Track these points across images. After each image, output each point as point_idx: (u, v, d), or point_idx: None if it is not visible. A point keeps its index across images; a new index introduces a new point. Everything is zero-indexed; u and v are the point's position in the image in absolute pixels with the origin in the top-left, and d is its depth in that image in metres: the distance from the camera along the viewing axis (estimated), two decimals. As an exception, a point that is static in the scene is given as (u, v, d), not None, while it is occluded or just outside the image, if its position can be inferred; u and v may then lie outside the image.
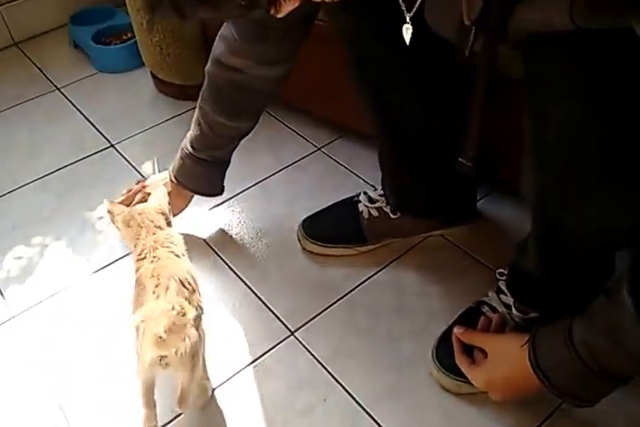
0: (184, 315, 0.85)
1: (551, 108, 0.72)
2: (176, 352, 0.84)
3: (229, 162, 1.28)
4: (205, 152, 1.22)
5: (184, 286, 0.95)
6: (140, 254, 1.03)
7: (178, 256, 1.03)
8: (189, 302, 0.91)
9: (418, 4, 0.72)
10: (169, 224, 1.12)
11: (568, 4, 0.51)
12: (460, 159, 0.79)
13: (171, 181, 1.27)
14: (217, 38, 1.10)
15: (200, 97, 1.18)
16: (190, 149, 1.22)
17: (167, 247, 1.04)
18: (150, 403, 0.94)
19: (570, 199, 0.80)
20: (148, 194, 1.20)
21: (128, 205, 1.18)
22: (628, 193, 0.75)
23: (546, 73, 0.70)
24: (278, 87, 1.16)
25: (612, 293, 0.79)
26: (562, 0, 0.51)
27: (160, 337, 0.82)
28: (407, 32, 0.78)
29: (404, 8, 0.76)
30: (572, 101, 0.69)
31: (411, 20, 0.76)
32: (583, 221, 0.82)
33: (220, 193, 1.31)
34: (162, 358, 0.85)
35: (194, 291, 0.97)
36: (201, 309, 0.98)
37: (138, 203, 1.20)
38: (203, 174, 1.26)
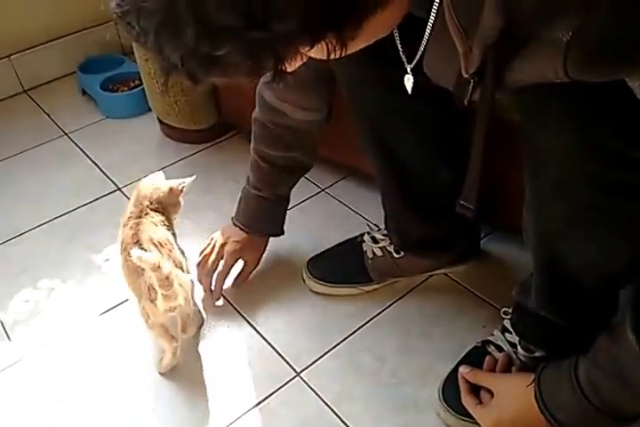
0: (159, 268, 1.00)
1: (545, 149, 0.74)
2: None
3: (289, 200, 1.32)
4: (269, 191, 1.26)
5: (162, 245, 1.11)
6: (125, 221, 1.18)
7: (155, 225, 1.16)
8: (169, 257, 1.10)
9: (418, 55, 0.74)
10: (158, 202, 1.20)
11: (562, 59, 0.52)
12: (461, 202, 0.79)
13: (240, 230, 1.28)
14: (260, 84, 1.14)
15: (252, 141, 1.23)
16: (254, 190, 1.26)
17: (149, 216, 1.17)
18: (173, 338, 1.11)
19: (569, 238, 0.81)
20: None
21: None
22: (626, 234, 0.76)
23: (539, 113, 0.72)
24: (323, 126, 1.19)
25: (614, 330, 0.79)
26: (555, 56, 0.52)
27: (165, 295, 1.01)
28: (408, 82, 0.81)
29: (404, 59, 0.79)
30: (563, 142, 0.71)
31: (412, 70, 0.79)
32: (582, 259, 0.83)
33: (283, 232, 1.34)
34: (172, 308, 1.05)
35: (171, 250, 1.13)
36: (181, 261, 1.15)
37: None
38: (269, 214, 1.30)
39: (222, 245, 1.28)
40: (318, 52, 0.57)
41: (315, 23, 0.50)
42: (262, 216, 1.30)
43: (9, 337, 1.26)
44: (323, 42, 0.54)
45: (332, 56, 0.58)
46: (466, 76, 0.62)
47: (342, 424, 1.07)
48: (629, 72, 0.53)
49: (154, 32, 0.50)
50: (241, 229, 1.28)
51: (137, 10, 0.50)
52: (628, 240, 0.77)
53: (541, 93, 0.69)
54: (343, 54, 0.58)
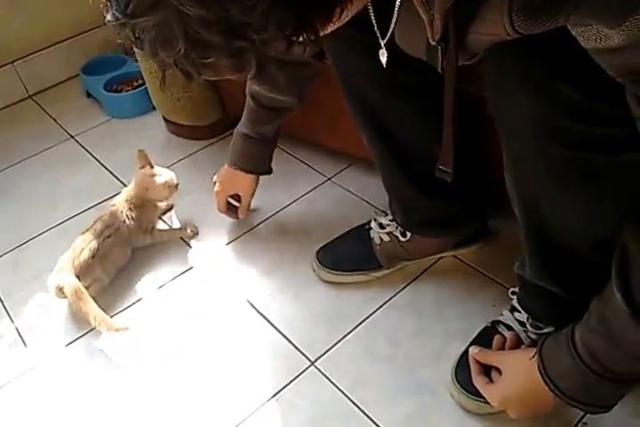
0: None
1: (512, 111, 0.77)
2: None
3: (275, 141, 1.38)
4: (254, 130, 1.32)
5: None
6: None
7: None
8: None
9: (391, 30, 0.76)
10: None
11: (508, 15, 0.55)
12: (440, 166, 0.83)
13: (228, 167, 1.39)
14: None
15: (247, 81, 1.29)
16: (241, 128, 1.35)
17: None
18: None
19: (549, 200, 0.83)
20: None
21: None
22: (603, 193, 0.77)
23: (501, 80, 0.76)
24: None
25: (603, 292, 0.79)
26: (502, 12, 0.56)
27: None
28: (383, 56, 0.82)
29: (378, 35, 0.79)
30: (527, 102, 0.73)
31: (385, 45, 0.79)
32: (567, 223, 0.85)
33: (269, 172, 1.41)
34: None
35: None
36: None
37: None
38: (252, 152, 1.37)
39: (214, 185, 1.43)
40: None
41: (288, 28, 0.53)
42: (246, 154, 1.37)
43: (24, 343, 1.28)
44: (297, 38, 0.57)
45: (310, 46, 0.59)
46: (433, 43, 0.66)
47: (358, 411, 1.08)
48: (566, 16, 0.55)
49: (149, 42, 0.54)
50: (228, 165, 1.39)
51: (132, 25, 0.53)
52: (607, 200, 0.78)
53: (502, 61, 0.74)
54: (318, 42, 0.60)
